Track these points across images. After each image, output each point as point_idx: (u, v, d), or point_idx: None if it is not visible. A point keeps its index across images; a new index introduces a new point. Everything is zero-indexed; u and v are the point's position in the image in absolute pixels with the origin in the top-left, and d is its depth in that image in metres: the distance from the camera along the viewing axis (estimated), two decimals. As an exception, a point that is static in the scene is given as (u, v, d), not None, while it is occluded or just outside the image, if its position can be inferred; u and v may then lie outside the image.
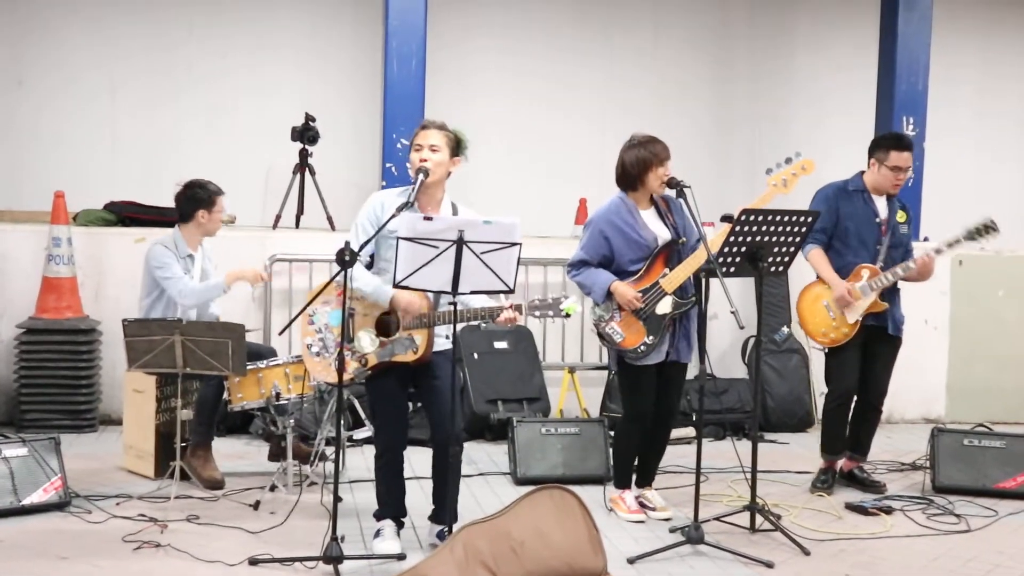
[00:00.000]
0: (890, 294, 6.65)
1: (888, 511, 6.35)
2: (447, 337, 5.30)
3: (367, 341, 5.26)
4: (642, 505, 6.21)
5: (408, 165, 5.50)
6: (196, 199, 6.93)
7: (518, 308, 5.20)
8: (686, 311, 5.95)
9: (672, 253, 5.97)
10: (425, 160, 5.27)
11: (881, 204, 6.71)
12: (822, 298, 6.65)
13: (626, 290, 5.89)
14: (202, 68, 10.09)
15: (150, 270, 6.82)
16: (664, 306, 5.90)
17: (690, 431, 7.93)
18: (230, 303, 7.19)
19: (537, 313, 5.27)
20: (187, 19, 10.04)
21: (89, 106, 9.88)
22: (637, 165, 5.94)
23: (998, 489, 6.76)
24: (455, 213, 5.41)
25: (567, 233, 9.55)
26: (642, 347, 5.92)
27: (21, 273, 8.02)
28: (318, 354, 5.46)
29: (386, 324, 5.33)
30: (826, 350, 6.74)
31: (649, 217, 6.04)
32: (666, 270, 5.93)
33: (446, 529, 5.24)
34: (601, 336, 6.07)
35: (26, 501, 5.81)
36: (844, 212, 6.67)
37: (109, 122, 9.94)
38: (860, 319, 6.55)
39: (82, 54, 9.88)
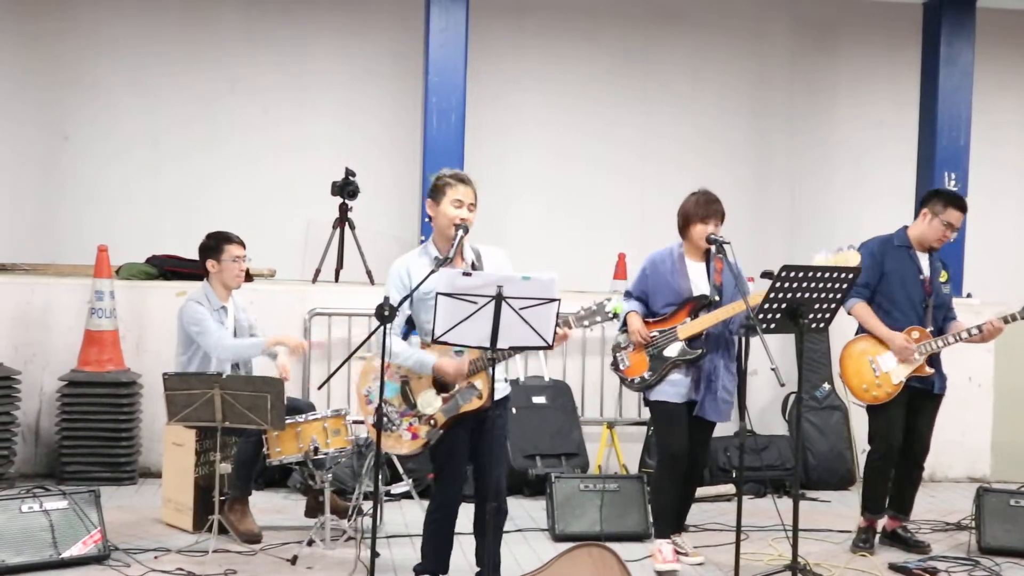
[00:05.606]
0: (934, 355, 6.57)
1: (933, 572, 6.24)
2: (505, 380, 5.34)
3: (431, 401, 5.25)
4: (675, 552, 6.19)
5: (430, 213, 5.40)
6: (204, 248, 6.95)
7: (566, 322, 5.20)
8: (690, 360, 6.06)
9: (701, 307, 6.09)
10: (466, 219, 5.30)
11: (924, 262, 6.64)
12: (867, 354, 6.56)
13: (635, 322, 6.14)
14: (243, 122, 10.25)
15: (185, 327, 6.83)
16: (672, 350, 6.09)
17: (730, 488, 7.86)
18: (268, 358, 7.21)
19: (586, 322, 5.29)
20: (228, 73, 10.20)
21: (132, 160, 10.06)
22: (681, 218, 6.18)
23: (1046, 551, 6.64)
24: (478, 258, 5.44)
25: (606, 287, 9.51)
26: (638, 380, 6.17)
27: (64, 326, 8.09)
28: (385, 428, 5.36)
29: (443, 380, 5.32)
30: (867, 407, 6.67)
31: (696, 269, 6.16)
32: (688, 319, 6.08)
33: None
34: (613, 360, 6.32)
35: (66, 554, 5.82)
36: (889, 267, 6.60)
37: (151, 177, 10.09)
38: (904, 380, 6.49)
39: (125, 110, 10.09)
